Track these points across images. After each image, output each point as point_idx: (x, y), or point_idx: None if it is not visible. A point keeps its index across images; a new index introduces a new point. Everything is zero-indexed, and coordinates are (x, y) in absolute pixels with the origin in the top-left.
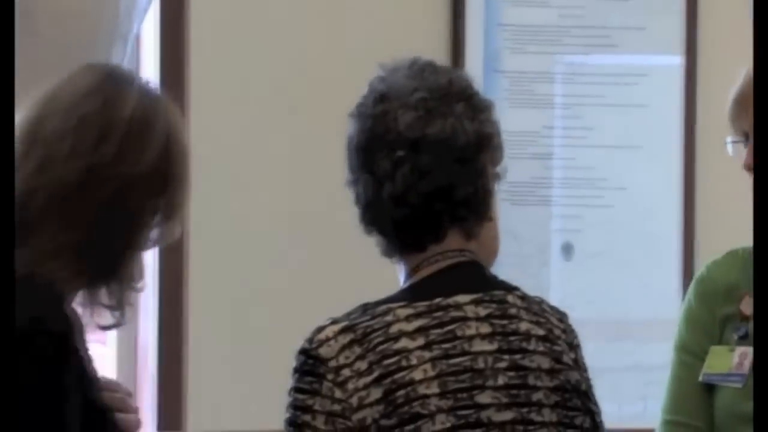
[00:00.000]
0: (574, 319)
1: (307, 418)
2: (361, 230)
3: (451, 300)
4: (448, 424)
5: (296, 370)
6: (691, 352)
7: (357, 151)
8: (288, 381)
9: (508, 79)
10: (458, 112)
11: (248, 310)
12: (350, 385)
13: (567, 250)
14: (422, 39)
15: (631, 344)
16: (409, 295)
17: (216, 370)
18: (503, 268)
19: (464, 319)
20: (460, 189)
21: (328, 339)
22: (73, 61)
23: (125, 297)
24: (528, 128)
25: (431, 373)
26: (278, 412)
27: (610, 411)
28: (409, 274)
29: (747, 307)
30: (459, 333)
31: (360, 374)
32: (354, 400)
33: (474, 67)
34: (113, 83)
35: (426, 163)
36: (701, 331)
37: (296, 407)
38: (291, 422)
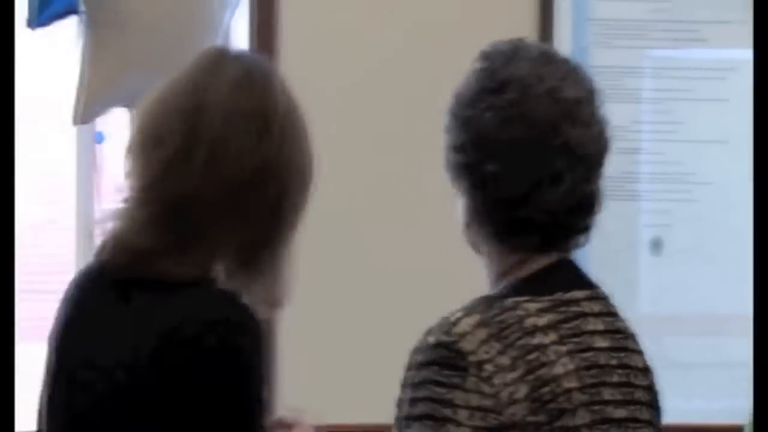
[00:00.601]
0: (664, 314)
1: (448, 412)
2: (466, 219)
3: (570, 295)
4: (587, 419)
5: (432, 363)
6: None
7: (502, 143)
8: (376, 373)
9: (596, 73)
10: (602, 121)
11: (339, 300)
12: (496, 381)
13: (656, 245)
14: (511, 34)
15: (721, 340)
16: (529, 288)
17: (306, 363)
18: (592, 264)
19: (584, 314)
20: (597, 203)
21: (466, 333)
22: (163, 55)
23: (282, 292)
24: (616, 123)
25: (570, 367)
26: (370, 406)
27: (698, 406)
28: (512, 267)
29: None
30: (583, 328)
31: (504, 370)
32: (504, 396)
33: (573, 66)
34: (259, 73)
35: (582, 175)
36: None
37: (435, 400)
38: (428, 415)
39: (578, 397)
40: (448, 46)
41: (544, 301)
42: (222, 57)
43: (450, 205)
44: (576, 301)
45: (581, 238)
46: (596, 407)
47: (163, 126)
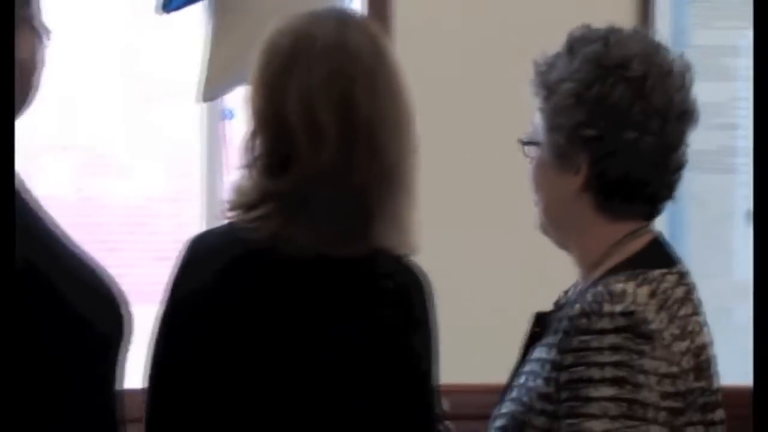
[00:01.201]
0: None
1: (641, 378)
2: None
3: (684, 268)
4: (718, 384)
5: (623, 330)
6: None
7: (638, 114)
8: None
9: (695, 53)
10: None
11: (446, 261)
12: (674, 348)
13: (751, 215)
14: (612, 14)
15: None
16: (656, 261)
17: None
18: (691, 233)
19: (694, 286)
20: None
21: (645, 303)
22: None
23: (415, 240)
24: (715, 100)
25: (709, 338)
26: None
27: None
28: (618, 243)
29: None
30: (699, 298)
31: (678, 339)
32: (684, 363)
33: (663, 42)
34: (379, 35)
35: (687, 140)
36: None
37: (628, 366)
38: (623, 379)
39: (714, 364)
40: (549, 26)
41: (674, 274)
42: (342, 37)
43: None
44: (687, 273)
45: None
46: (717, 373)
47: (315, 114)
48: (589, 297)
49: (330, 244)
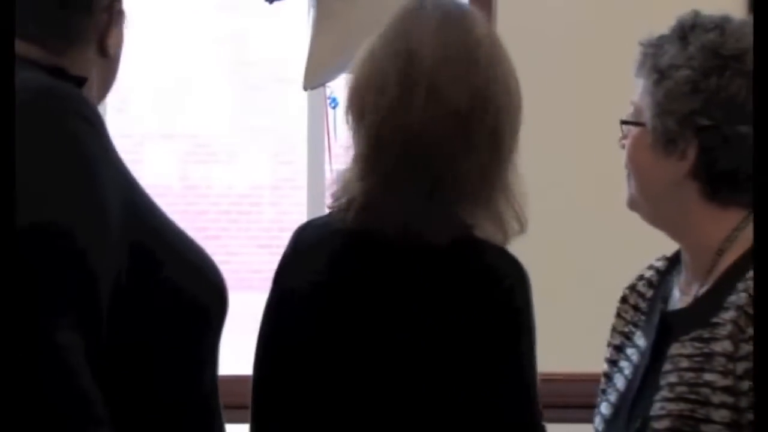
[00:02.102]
0: None
1: None
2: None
3: None
4: None
5: None
6: None
7: (752, 107)
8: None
9: None
10: None
11: (543, 246)
12: None
13: None
14: None
15: None
16: None
17: None
18: None
19: None
20: None
21: None
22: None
23: (519, 218)
24: None
25: None
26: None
27: None
28: (738, 226)
29: None
30: None
31: None
32: None
33: None
34: (457, 12)
35: None
36: None
37: None
38: None
39: None
40: (655, 5)
41: None
42: (420, 4)
43: None
44: None
45: None
46: None
47: (378, 76)
48: (750, 283)
49: (429, 234)
